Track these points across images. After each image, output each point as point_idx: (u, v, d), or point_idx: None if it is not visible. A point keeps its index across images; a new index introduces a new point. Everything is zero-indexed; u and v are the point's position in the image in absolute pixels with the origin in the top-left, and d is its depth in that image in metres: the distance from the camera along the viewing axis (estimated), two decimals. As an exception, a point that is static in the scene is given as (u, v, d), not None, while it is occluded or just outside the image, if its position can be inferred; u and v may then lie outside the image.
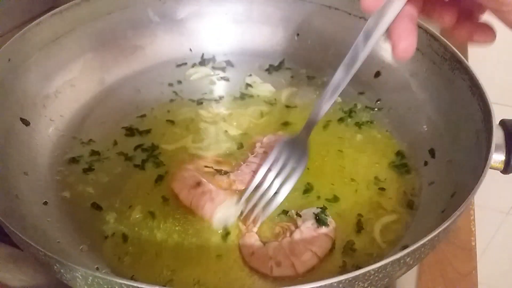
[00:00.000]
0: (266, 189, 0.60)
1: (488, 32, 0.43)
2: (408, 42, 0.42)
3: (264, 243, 0.58)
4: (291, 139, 0.62)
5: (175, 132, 0.74)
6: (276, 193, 0.60)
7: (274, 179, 0.60)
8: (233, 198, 0.62)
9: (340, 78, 0.52)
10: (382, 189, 0.65)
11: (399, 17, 0.42)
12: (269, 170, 0.60)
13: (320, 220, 0.58)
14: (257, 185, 0.60)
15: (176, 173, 0.66)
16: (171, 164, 0.68)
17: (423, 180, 0.66)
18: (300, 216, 0.60)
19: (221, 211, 0.60)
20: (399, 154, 0.70)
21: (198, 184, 0.62)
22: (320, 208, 0.61)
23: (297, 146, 0.61)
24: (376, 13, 0.43)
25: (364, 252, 0.57)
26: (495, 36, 0.43)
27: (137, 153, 0.70)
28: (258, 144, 0.71)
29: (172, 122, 0.76)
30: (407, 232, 0.59)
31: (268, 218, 0.60)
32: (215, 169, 0.67)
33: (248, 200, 0.60)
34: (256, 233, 0.59)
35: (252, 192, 0.60)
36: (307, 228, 0.58)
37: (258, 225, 0.59)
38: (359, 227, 0.60)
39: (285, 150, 0.61)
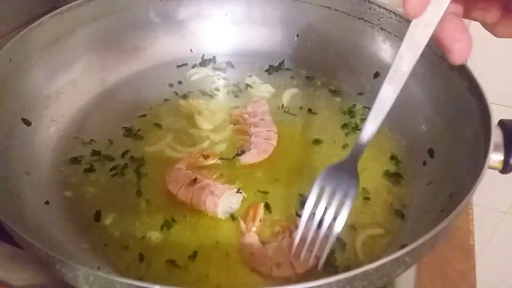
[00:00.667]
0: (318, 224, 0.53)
1: None
2: (464, 42, 0.37)
3: (264, 243, 0.58)
4: (335, 165, 0.53)
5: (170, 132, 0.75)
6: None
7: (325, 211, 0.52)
8: (232, 189, 0.63)
9: (386, 96, 0.45)
10: (367, 198, 0.64)
11: (445, 17, 0.37)
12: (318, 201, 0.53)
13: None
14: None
15: (168, 174, 0.66)
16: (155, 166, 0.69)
17: (417, 185, 0.65)
18: (300, 216, 0.60)
19: (223, 203, 0.61)
20: (393, 158, 0.70)
21: (194, 180, 0.63)
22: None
23: (345, 171, 0.52)
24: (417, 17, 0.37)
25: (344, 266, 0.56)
26: None
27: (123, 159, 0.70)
28: (247, 116, 0.74)
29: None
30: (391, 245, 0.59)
31: (267, 218, 0.61)
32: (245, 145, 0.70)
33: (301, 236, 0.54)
34: (256, 232, 0.59)
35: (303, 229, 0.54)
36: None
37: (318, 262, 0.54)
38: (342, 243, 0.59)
39: (331, 178, 0.53)
